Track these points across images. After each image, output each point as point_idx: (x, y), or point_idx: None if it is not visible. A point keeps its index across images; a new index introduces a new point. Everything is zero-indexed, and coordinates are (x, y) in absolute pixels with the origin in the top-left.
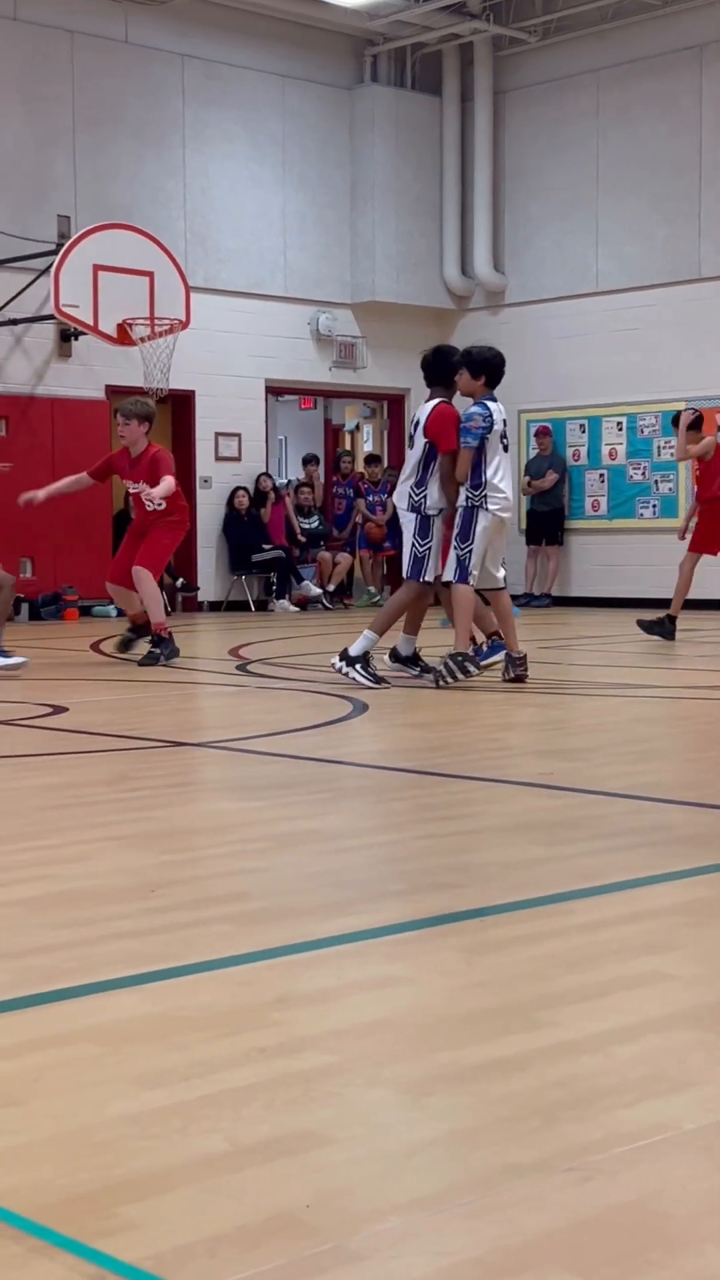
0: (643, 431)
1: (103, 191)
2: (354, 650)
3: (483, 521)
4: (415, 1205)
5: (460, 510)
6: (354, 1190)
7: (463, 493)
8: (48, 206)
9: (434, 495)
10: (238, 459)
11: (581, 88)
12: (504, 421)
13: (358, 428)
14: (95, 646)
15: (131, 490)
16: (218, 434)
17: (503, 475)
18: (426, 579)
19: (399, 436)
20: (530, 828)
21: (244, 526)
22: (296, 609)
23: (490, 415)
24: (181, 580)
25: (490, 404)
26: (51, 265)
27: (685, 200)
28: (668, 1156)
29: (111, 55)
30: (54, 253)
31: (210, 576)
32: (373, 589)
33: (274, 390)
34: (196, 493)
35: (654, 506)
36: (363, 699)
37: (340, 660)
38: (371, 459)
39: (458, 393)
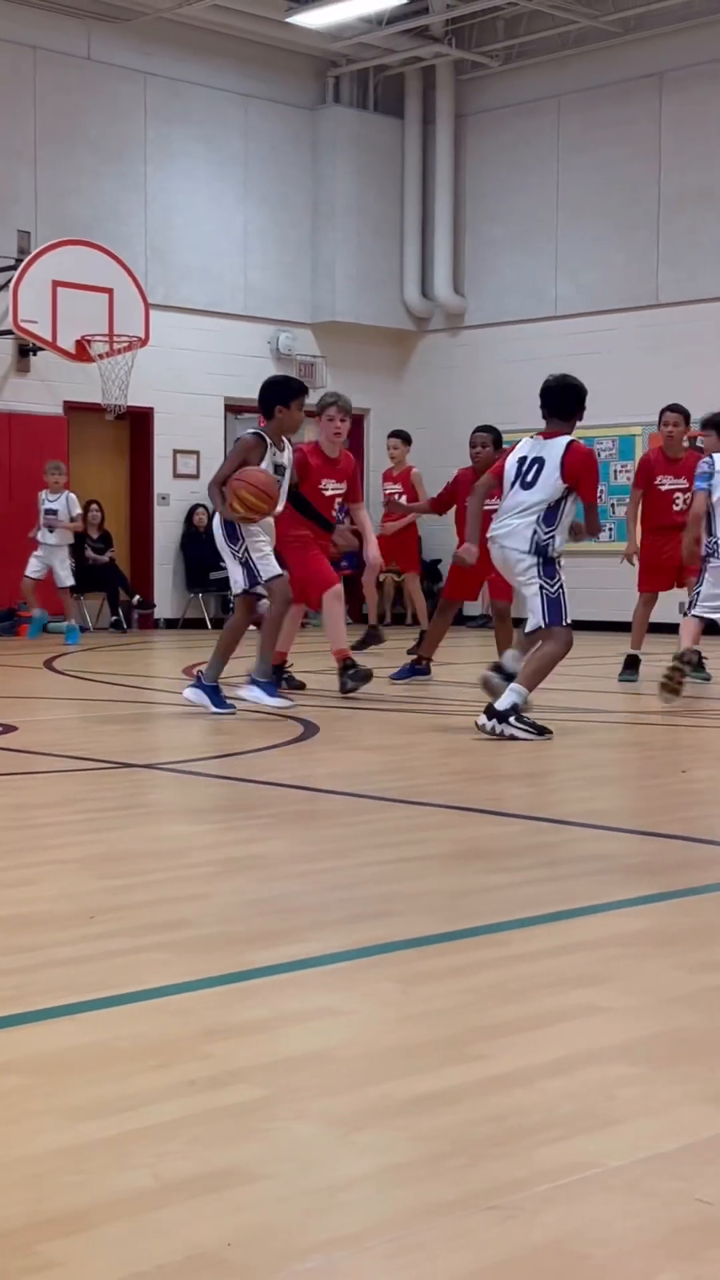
0: (600, 455)
1: (63, 207)
2: (502, 705)
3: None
4: (338, 1243)
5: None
6: (278, 1228)
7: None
8: (8, 221)
9: (560, 539)
10: (196, 476)
11: (542, 113)
12: None
13: None
14: (49, 663)
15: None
16: (176, 451)
17: None
18: (568, 622)
19: (358, 456)
20: (475, 855)
21: (202, 544)
22: (253, 627)
23: (713, 463)
24: (138, 598)
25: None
26: (10, 280)
27: (644, 226)
28: (591, 1195)
29: (74, 72)
30: (13, 268)
31: (167, 593)
32: None
33: (233, 408)
34: (155, 510)
35: (610, 530)
36: (315, 721)
37: (488, 718)
38: None
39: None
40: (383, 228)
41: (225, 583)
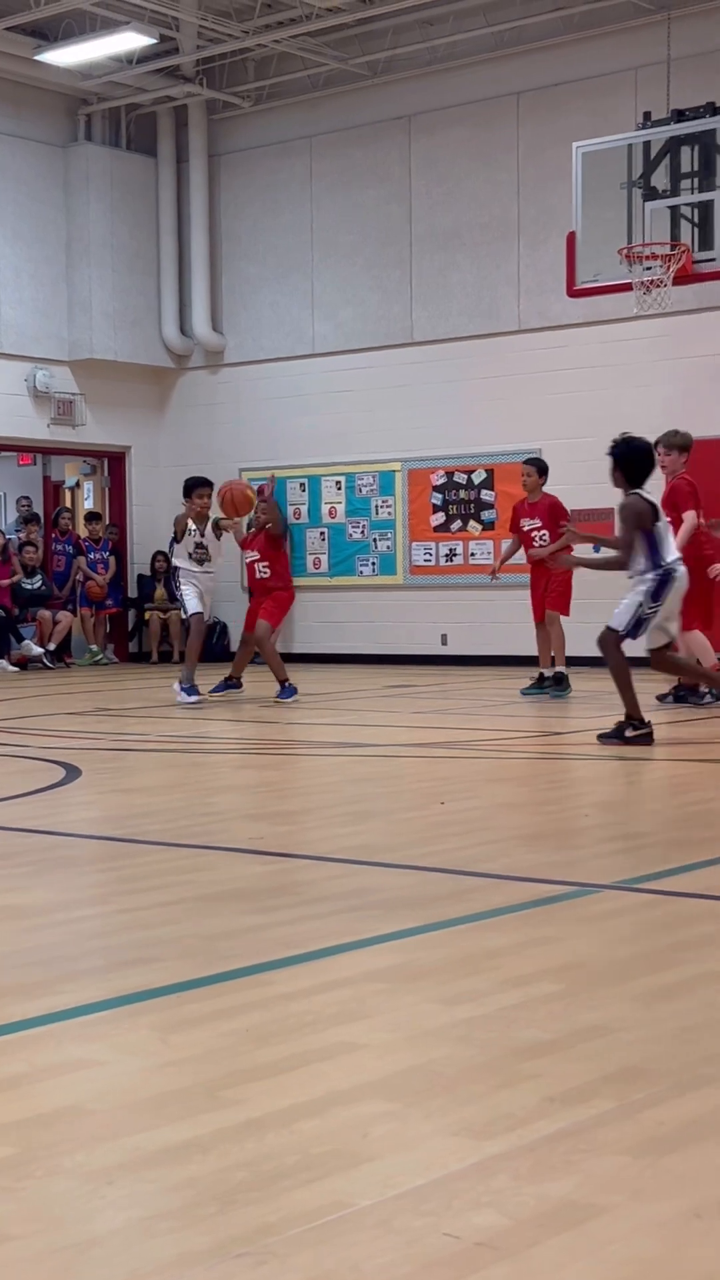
0: (360, 491)
1: None
2: None
3: None
4: None
5: None
6: None
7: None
8: None
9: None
10: None
11: (295, 153)
12: None
13: (78, 485)
14: None
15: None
16: None
17: None
18: None
19: (120, 493)
20: (236, 896)
21: None
22: (16, 669)
23: None
24: None
25: None
26: None
27: (397, 266)
28: (342, 1235)
29: None
30: None
31: None
32: (95, 647)
33: None
34: None
35: (373, 564)
36: (78, 764)
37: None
38: (92, 516)
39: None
40: (139, 265)
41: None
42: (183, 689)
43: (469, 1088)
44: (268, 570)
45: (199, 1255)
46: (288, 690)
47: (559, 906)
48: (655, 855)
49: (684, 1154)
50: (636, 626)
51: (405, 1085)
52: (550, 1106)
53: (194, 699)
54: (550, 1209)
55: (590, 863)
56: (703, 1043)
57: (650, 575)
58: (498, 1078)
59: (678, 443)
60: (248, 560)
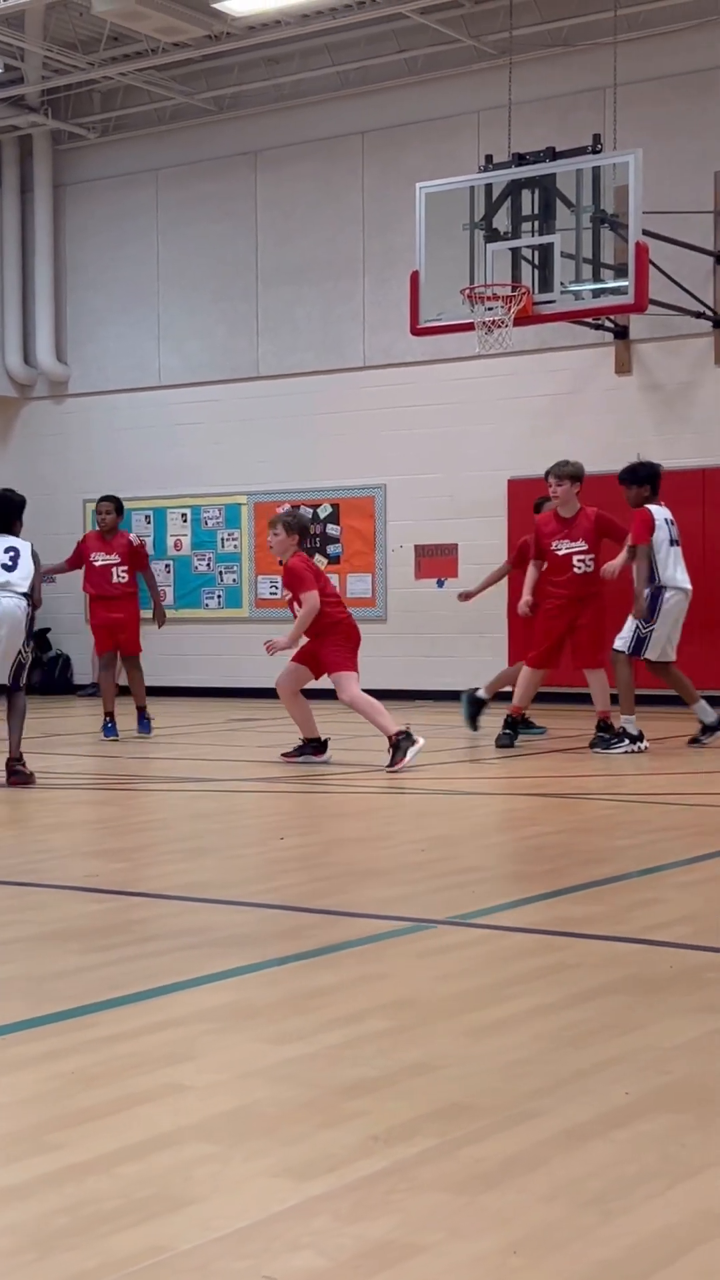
0: (206, 523)
1: None
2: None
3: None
4: None
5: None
6: None
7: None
8: None
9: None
10: None
11: (141, 185)
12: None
13: None
14: None
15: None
16: None
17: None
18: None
19: None
20: (67, 936)
21: None
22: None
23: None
24: None
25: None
26: None
27: (243, 300)
28: None
29: None
30: None
31: None
32: None
33: None
34: None
35: (219, 597)
36: None
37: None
38: None
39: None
40: None
41: None
42: None
43: (292, 1128)
44: (126, 575)
45: None
46: (146, 723)
47: (392, 942)
48: (490, 890)
49: (503, 1190)
50: (19, 673)
51: (229, 1126)
52: (373, 1145)
53: None
54: (369, 1249)
55: (426, 898)
56: (526, 1078)
57: None
58: (321, 1117)
59: (568, 472)
60: (102, 563)
